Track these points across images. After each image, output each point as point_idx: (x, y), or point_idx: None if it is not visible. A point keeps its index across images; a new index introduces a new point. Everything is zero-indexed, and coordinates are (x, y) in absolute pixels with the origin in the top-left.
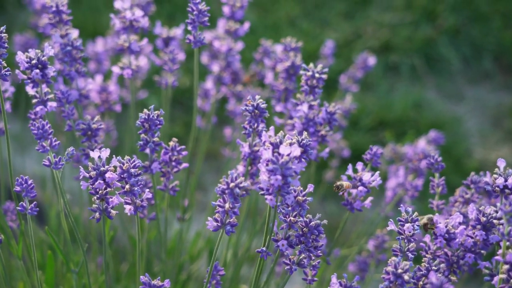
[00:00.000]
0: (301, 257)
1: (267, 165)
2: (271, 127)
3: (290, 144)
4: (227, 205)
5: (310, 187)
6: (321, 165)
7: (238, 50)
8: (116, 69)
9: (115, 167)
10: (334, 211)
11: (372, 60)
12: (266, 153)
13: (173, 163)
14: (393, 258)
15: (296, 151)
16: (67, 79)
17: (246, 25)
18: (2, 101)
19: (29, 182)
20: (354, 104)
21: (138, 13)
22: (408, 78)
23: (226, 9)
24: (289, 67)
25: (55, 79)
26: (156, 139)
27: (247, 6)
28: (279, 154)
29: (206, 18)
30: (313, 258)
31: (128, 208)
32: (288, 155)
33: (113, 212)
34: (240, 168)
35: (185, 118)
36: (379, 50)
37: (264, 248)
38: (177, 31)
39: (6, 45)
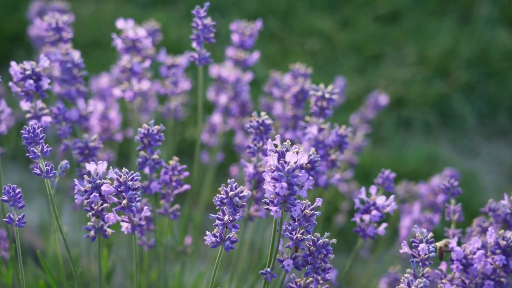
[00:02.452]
0: (308, 280)
1: (272, 173)
2: (277, 136)
3: (297, 153)
4: (226, 217)
5: (319, 201)
6: (330, 210)
7: (247, 80)
8: (117, 92)
9: (111, 179)
10: (345, 264)
11: (383, 99)
12: (271, 159)
13: (174, 184)
14: (407, 275)
15: (303, 158)
16: (67, 100)
17: (256, 55)
18: None
19: (17, 191)
20: (366, 140)
21: (141, 32)
22: (421, 133)
23: (235, 37)
24: (298, 92)
25: (51, 94)
26: (155, 156)
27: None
28: (285, 162)
29: (212, 34)
30: (321, 282)
31: (125, 226)
32: (295, 162)
33: (109, 230)
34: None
35: (192, 169)
36: (391, 105)
37: (268, 269)
38: (182, 59)
39: None
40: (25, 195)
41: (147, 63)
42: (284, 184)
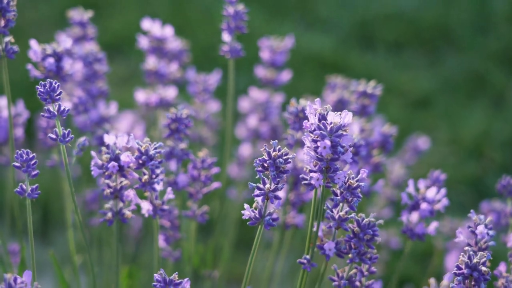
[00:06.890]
0: (351, 271)
1: (312, 134)
2: (317, 99)
3: (340, 114)
4: (267, 186)
5: (364, 172)
6: None
7: (277, 102)
8: (140, 97)
9: (132, 149)
10: None
11: (424, 143)
12: (312, 118)
13: (203, 179)
14: (467, 248)
15: (348, 117)
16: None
17: (287, 74)
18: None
19: (31, 155)
20: (407, 173)
21: (169, 31)
22: (456, 212)
23: (264, 54)
24: (336, 102)
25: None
26: (183, 145)
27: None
28: (328, 123)
29: (244, 24)
30: (365, 273)
31: (145, 208)
32: (339, 122)
33: (128, 213)
34: (279, 192)
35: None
36: None
37: (307, 257)
38: (212, 78)
39: (14, 12)
40: (39, 269)
41: (174, 66)
42: (328, 143)
